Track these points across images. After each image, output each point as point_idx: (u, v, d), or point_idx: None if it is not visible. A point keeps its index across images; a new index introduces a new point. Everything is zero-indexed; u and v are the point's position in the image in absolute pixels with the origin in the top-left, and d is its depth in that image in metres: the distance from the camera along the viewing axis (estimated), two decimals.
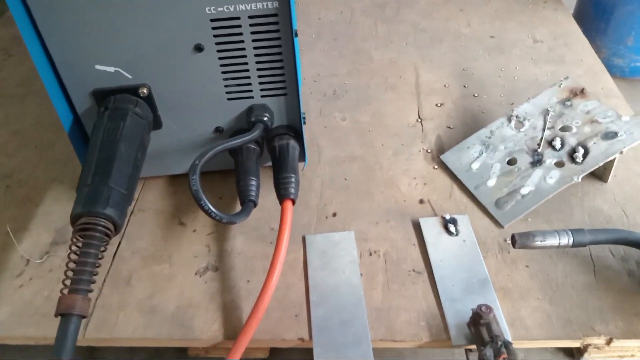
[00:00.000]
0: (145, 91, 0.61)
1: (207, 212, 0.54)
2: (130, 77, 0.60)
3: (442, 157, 0.73)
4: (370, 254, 0.62)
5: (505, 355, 0.49)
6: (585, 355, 0.55)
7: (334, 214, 0.67)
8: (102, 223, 0.49)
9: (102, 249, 0.49)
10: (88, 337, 0.56)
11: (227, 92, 0.62)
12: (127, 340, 0.57)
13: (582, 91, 0.72)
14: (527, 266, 0.60)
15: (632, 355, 0.56)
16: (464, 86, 0.87)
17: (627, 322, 0.54)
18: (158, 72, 0.60)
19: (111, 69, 0.59)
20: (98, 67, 0.59)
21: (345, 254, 0.62)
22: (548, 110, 0.71)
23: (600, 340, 0.54)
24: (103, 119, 0.57)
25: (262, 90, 0.62)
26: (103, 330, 0.56)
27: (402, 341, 0.55)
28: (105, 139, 0.55)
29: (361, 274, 0.60)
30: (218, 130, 0.66)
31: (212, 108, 0.64)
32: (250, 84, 0.62)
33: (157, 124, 0.64)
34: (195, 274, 0.61)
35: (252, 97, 0.63)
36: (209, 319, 0.57)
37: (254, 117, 0.63)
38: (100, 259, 0.49)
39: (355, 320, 0.56)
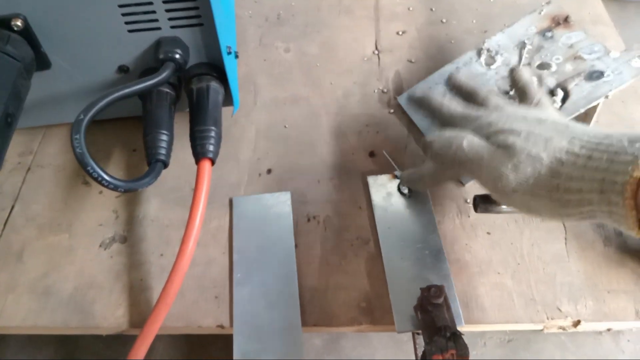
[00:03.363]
0: (19, 23, 0.47)
1: (97, 180, 0.44)
2: None
3: (399, 98, 0.62)
4: (309, 220, 0.53)
5: (454, 351, 0.41)
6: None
7: (269, 171, 0.57)
8: None
9: None
10: None
11: (126, 22, 0.49)
12: (16, 329, 0.48)
13: (566, 19, 0.60)
14: (488, 233, 0.51)
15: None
16: (431, 9, 0.74)
17: (598, 300, 0.47)
18: None
19: None
20: None
21: (278, 220, 0.53)
22: (524, 44, 0.59)
23: (567, 322, 0.46)
24: None
25: (170, 19, 0.49)
26: None
27: (339, 326, 0.47)
28: None
29: (296, 245, 0.51)
30: (122, 69, 0.53)
31: (110, 42, 0.51)
32: (154, 12, 0.49)
33: (43, 63, 0.51)
34: (100, 246, 0.52)
35: (159, 29, 0.50)
36: (113, 302, 0.48)
37: (162, 54, 0.50)
38: None
39: (284, 303, 0.48)
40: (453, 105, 0.47)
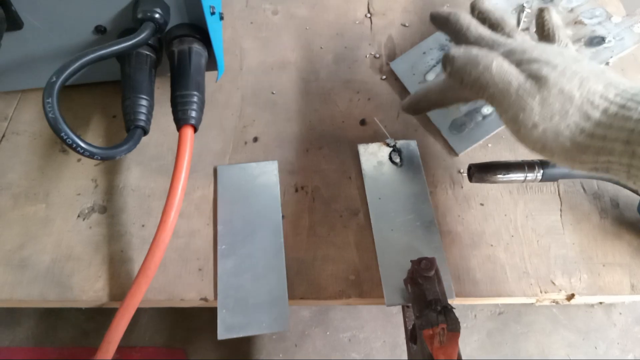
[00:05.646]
0: None
1: (72, 147, 0.41)
2: None
3: (391, 64, 0.60)
4: (297, 190, 0.51)
5: (444, 325, 0.40)
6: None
7: (255, 139, 0.55)
8: None
9: None
10: None
11: None
12: None
13: None
14: (481, 204, 0.50)
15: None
16: None
17: (593, 273, 0.46)
18: None
19: None
20: None
21: (265, 190, 0.51)
22: (523, 7, 0.57)
23: (560, 296, 0.45)
24: None
25: None
26: None
27: (326, 299, 0.45)
28: None
29: (283, 216, 0.49)
30: (99, 30, 0.50)
31: (86, 0, 0.48)
32: None
33: (14, 23, 0.48)
34: (78, 216, 0.50)
35: None
36: (92, 274, 0.46)
37: (141, 14, 0.47)
38: None
39: (271, 275, 0.46)
40: (482, 27, 0.43)
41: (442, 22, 0.46)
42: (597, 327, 0.56)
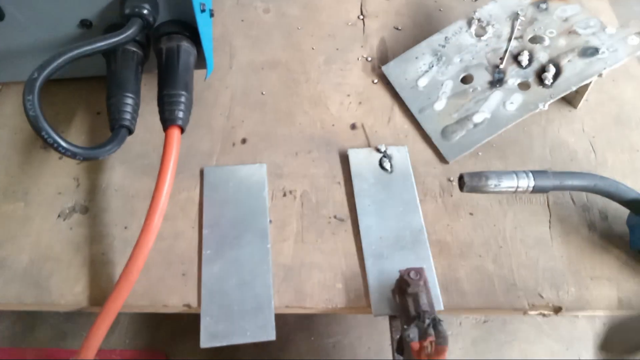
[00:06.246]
0: None
1: (53, 146, 0.40)
2: None
3: (383, 68, 0.59)
4: (285, 195, 0.50)
5: (432, 338, 0.39)
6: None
7: (244, 140, 0.53)
8: None
9: None
10: None
11: None
12: None
13: None
14: (471, 214, 0.49)
15: None
16: None
17: (581, 287, 0.46)
18: None
19: None
20: None
21: (252, 193, 0.50)
22: (518, 15, 0.56)
23: (547, 310, 0.45)
24: None
25: None
26: None
27: (312, 307, 0.45)
28: None
29: (270, 221, 0.48)
30: (85, 24, 0.49)
31: None
32: None
33: None
34: (58, 216, 0.48)
35: None
36: (71, 277, 0.45)
37: (128, 9, 0.45)
38: None
39: (256, 282, 0.45)
40: None
41: None
42: (580, 336, 0.56)
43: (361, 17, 0.65)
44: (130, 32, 0.45)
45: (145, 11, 0.46)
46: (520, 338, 0.57)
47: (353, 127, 0.55)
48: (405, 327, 0.41)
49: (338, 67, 0.60)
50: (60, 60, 0.41)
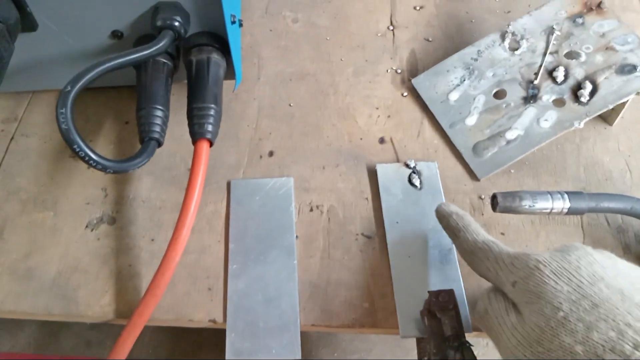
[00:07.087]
0: None
1: (84, 160, 0.40)
2: None
3: (413, 81, 0.58)
4: (312, 210, 0.50)
5: None
6: None
7: (271, 153, 0.53)
8: None
9: None
10: None
11: None
12: None
13: (599, 5, 0.56)
14: (502, 234, 0.48)
15: None
16: None
17: None
18: None
19: None
20: None
21: (279, 208, 0.49)
22: (553, 29, 0.55)
23: None
24: None
25: None
26: None
27: (338, 327, 0.44)
28: None
29: (297, 236, 0.48)
30: (116, 35, 0.49)
31: (103, 4, 0.46)
32: None
33: (29, 24, 0.47)
34: (86, 226, 0.48)
35: None
36: (99, 288, 0.45)
37: (160, 21, 0.45)
38: None
39: (282, 298, 0.45)
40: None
41: (441, 222, 0.44)
42: None
43: (391, 27, 0.64)
44: (161, 44, 0.45)
45: (176, 23, 0.45)
46: None
47: (382, 141, 0.54)
48: (434, 351, 0.40)
49: (367, 79, 0.59)
50: (93, 73, 0.41)
